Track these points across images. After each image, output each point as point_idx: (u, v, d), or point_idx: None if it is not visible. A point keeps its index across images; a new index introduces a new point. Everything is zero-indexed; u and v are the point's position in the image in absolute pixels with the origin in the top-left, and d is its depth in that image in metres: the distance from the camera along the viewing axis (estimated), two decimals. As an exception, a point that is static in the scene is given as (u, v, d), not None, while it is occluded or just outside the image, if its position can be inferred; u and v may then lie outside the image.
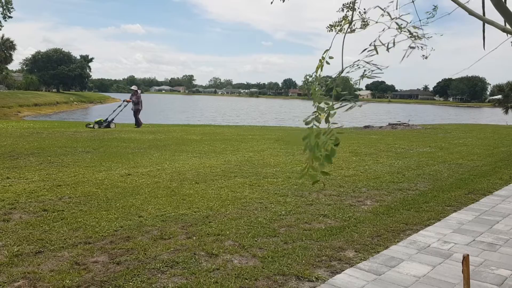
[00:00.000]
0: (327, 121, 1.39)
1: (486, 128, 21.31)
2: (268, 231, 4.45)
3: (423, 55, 2.18)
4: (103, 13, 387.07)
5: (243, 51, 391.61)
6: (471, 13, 2.00)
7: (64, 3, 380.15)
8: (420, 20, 2.33)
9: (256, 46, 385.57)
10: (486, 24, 2.15)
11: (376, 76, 1.60)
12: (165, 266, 3.52)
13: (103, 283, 3.22)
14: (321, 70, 1.66)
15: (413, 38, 1.78)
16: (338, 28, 2.05)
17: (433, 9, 2.13)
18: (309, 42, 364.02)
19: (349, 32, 2.02)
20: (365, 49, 1.67)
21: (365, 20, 2.05)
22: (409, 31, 1.79)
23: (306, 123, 1.42)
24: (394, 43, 1.72)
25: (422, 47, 2.03)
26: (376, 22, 1.90)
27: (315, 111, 1.43)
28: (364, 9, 2.10)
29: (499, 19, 2.06)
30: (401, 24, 1.80)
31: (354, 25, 2.05)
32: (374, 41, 1.72)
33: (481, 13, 2.12)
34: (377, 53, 1.64)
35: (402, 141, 13.37)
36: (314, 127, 1.40)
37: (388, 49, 1.69)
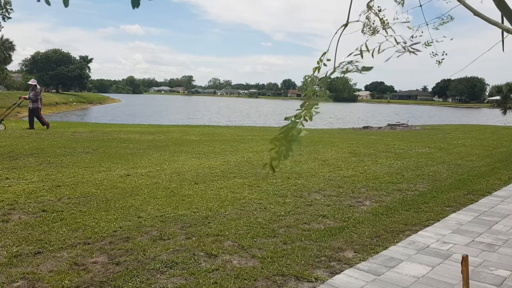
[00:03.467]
0: (310, 119, 1.44)
1: (485, 129, 21.34)
2: (267, 232, 4.45)
3: (437, 61, 2.22)
4: (102, 14, 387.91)
5: (242, 52, 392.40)
6: (476, 13, 1.99)
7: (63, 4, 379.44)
8: (427, 24, 2.34)
9: (255, 47, 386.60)
10: (490, 25, 2.15)
11: (358, 72, 1.66)
12: (165, 267, 3.52)
13: (102, 283, 3.22)
14: (318, 72, 1.68)
15: (399, 47, 1.82)
16: (368, 28, 2.05)
17: (449, 18, 2.14)
18: (308, 43, 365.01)
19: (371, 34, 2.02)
20: (351, 53, 1.71)
21: (382, 20, 2.06)
22: (395, 39, 1.83)
23: (286, 119, 1.48)
24: (379, 49, 1.75)
25: (435, 54, 2.10)
26: (381, 24, 1.91)
27: (301, 108, 1.50)
28: (379, 7, 2.10)
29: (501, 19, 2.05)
30: (389, 34, 1.84)
31: (373, 23, 2.07)
32: (361, 45, 1.78)
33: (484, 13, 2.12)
34: (362, 57, 1.69)
35: (401, 142, 13.38)
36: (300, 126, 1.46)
37: (373, 55, 1.73)
